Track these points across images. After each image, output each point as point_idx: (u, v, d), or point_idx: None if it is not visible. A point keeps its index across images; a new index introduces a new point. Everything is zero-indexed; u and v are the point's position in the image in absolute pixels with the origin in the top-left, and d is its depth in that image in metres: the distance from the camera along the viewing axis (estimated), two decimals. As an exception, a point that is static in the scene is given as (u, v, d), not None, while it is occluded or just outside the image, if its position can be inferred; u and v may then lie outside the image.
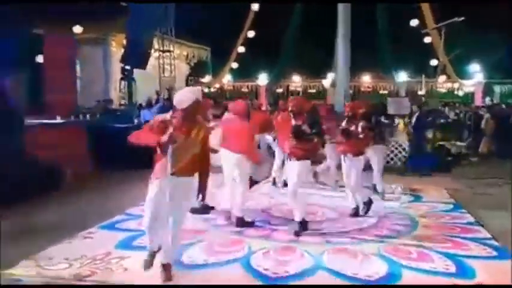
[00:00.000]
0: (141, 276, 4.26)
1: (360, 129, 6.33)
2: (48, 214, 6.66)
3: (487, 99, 22.19)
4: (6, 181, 7.14)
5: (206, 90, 24.18)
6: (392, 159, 11.11)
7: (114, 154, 9.79)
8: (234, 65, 24.65)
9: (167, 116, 4.05)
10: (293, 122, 5.70)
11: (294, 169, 5.66)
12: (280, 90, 25.74)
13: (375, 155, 7.53)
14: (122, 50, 15.54)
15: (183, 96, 4.04)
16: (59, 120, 10.07)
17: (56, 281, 4.30)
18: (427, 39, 21.49)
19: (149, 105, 14.59)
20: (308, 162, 5.71)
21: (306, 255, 4.89)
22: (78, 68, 12.81)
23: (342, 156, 6.53)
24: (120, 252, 4.98)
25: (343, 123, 6.55)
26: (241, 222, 5.89)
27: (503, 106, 17.75)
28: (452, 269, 4.60)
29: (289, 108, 5.83)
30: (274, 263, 4.67)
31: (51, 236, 5.47)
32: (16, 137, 8.16)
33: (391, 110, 13.25)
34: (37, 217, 6.48)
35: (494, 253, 5.10)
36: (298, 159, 5.59)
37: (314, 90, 25.26)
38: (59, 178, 8.54)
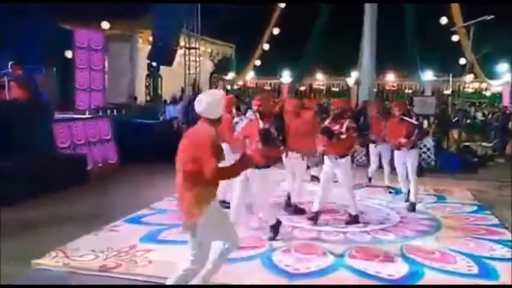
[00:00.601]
0: (166, 269, 4.35)
1: (343, 129, 5.84)
2: (74, 207, 6.85)
3: (515, 99, 21.71)
4: (35, 174, 7.40)
5: (229, 87, 24.31)
6: (416, 159, 10.98)
7: (140, 149, 10.02)
8: (258, 63, 24.68)
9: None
10: (260, 124, 5.10)
11: (257, 179, 5.04)
12: (303, 88, 25.65)
13: (409, 159, 7.04)
14: (148, 47, 15.76)
15: (219, 104, 3.37)
16: (87, 115, 10.29)
17: (82, 272, 4.45)
18: (455, 38, 21.12)
19: (174, 101, 14.79)
20: (269, 170, 5.19)
21: (328, 254, 4.92)
22: (106, 63, 13.05)
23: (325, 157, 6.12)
24: (145, 246, 5.10)
25: (327, 122, 6.11)
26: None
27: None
28: (475, 270, 4.57)
29: (255, 108, 5.24)
30: (295, 260, 4.71)
31: (78, 228, 5.63)
32: (45, 131, 8.42)
33: (416, 110, 13.10)
34: (64, 209, 6.66)
35: (519, 256, 5.04)
36: (260, 167, 4.94)
37: (337, 89, 25.11)
38: (86, 172, 8.78)
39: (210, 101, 3.31)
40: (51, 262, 4.62)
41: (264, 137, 4.97)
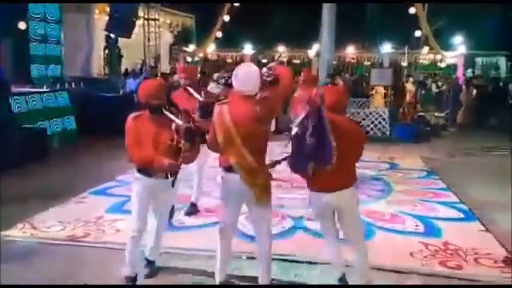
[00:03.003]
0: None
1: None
2: (38, 181, 6.86)
3: (469, 71, 22.56)
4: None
5: (189, 59, 24.05)
6: (372, 129, 11.45)
7: (100, 122, 9.97)
8: (219, 34, 24.47)
9: None
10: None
11: None
12: (265, 61, 25.71)
13: None
14: (106, 18, 15.36)
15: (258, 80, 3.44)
16: (45, 89, 10.10)
17: (50, 242, 4.57)
18: (412, 10, 21.63)
19: (134, 74, 14.58)
20: None
21: (287, 218, 5.22)
22: (62, 35, 12.70)
23: None
24: (111, 216, 5.25)
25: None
26: None
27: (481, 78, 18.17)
28: (421, 229, 5.00)
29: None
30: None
31: (44, 201, 5.71)
32: (3, 105, 8.26)
33: (373, 81, 13.56)
34: (27, 183, 6.67)
35: (462, 215, 5.51)
36: None
37: (299, 61, 25.30)
38: (46, 145, 8.70)
39: (251, 82, 3.36)
40: (18, 233, 4.71)
41: None
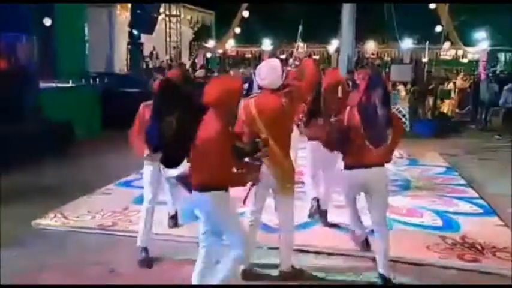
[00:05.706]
0: (159, 227, 4.71)
1: None
2: (64, 172, 7.11)
3: (491, 66, 22.24)
4: (23, 141, 7.57)
5: (209, 55, 24.27)
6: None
7: (124, 118, 10.19)
8: (238, 30, 24.61)
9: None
10: None
11: None
12: (283, 56, 25.74)
13: None
14: (126, 14, 15.61)
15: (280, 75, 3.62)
16: (71, 84, 10.40)
17: (81, 230, 4.80)
18: (433, 5, 21.42)
19: (158, 70, 14.77)
20: None
21: (307, 211, 5.33)
22: (86, 31, 12.99)
23: None
24: (137, 207, 5.40)
25: None
26: None
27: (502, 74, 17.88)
28: (439, 223, 5.07)
29: None
30: (275, 216, 5.09)
31: (71, 192, 5.95)
32: (31, 99, 8.55)
33: (393, 77, 13.54)
34: (55, 175, 6.92)
35: (480, 210, 5.56)
36: None
37: (318, 56, 25.26)
38: (73, 139, 8.97)
39: (273, 77, 3.53)
40: (50, 222, 4.94)
41: None
